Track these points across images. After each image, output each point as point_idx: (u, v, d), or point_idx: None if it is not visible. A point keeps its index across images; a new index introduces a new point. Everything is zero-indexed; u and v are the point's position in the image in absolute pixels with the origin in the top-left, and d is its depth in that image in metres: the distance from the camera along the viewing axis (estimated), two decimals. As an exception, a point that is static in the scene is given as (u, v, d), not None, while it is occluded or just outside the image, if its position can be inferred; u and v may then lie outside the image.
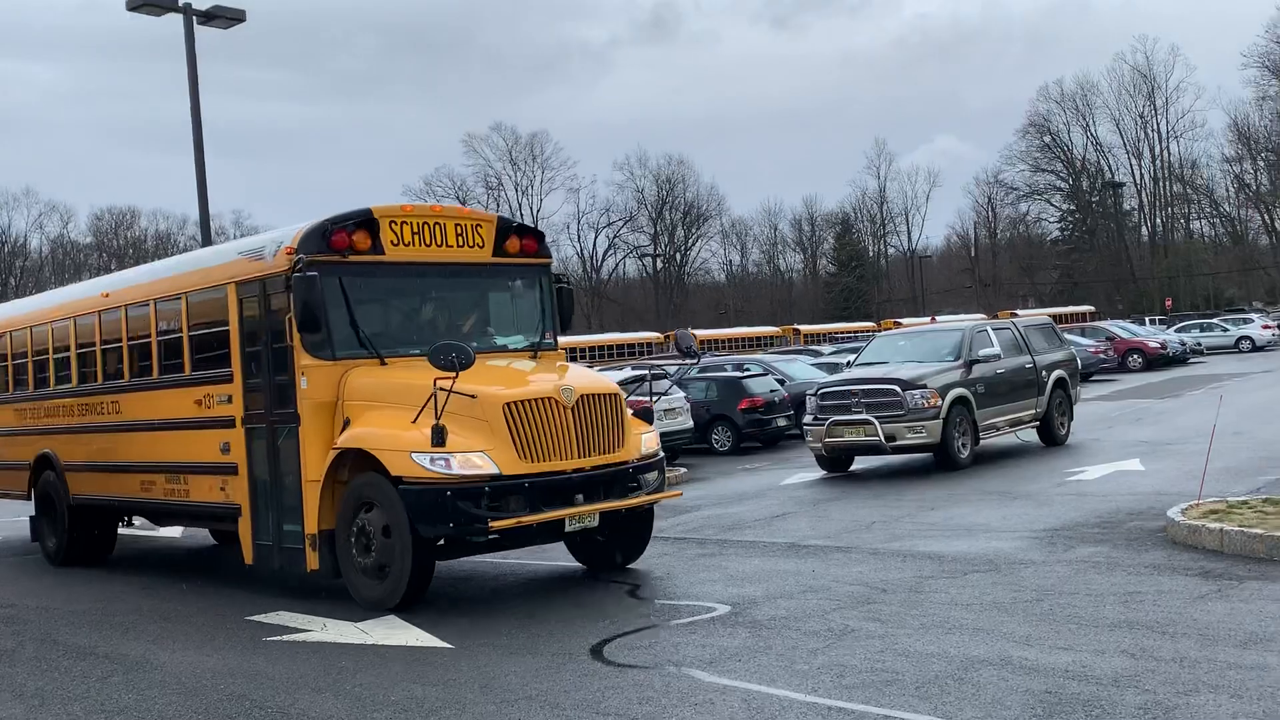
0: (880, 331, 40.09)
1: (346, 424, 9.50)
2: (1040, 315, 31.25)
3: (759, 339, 72.92)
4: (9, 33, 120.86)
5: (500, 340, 10.94)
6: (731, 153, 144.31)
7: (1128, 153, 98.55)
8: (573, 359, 10.89)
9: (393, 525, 9.01)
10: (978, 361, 17.16)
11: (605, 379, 10.16)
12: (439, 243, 10.36)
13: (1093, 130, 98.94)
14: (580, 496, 9.30)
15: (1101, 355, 37.52)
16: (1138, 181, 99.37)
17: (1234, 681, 6.00)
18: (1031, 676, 6.33)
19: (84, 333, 13.29)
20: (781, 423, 23.07)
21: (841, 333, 74.54)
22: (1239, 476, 12.98)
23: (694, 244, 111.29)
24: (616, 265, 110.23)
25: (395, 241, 10.08)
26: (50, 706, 7.22)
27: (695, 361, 12.90)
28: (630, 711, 6.22)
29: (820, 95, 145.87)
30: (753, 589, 9.30)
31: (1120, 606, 7.81)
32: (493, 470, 8.85)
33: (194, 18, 19.69)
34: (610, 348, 67.09)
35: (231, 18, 20.14)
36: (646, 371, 13.65)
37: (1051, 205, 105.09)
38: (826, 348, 45.51)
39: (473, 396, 8.95)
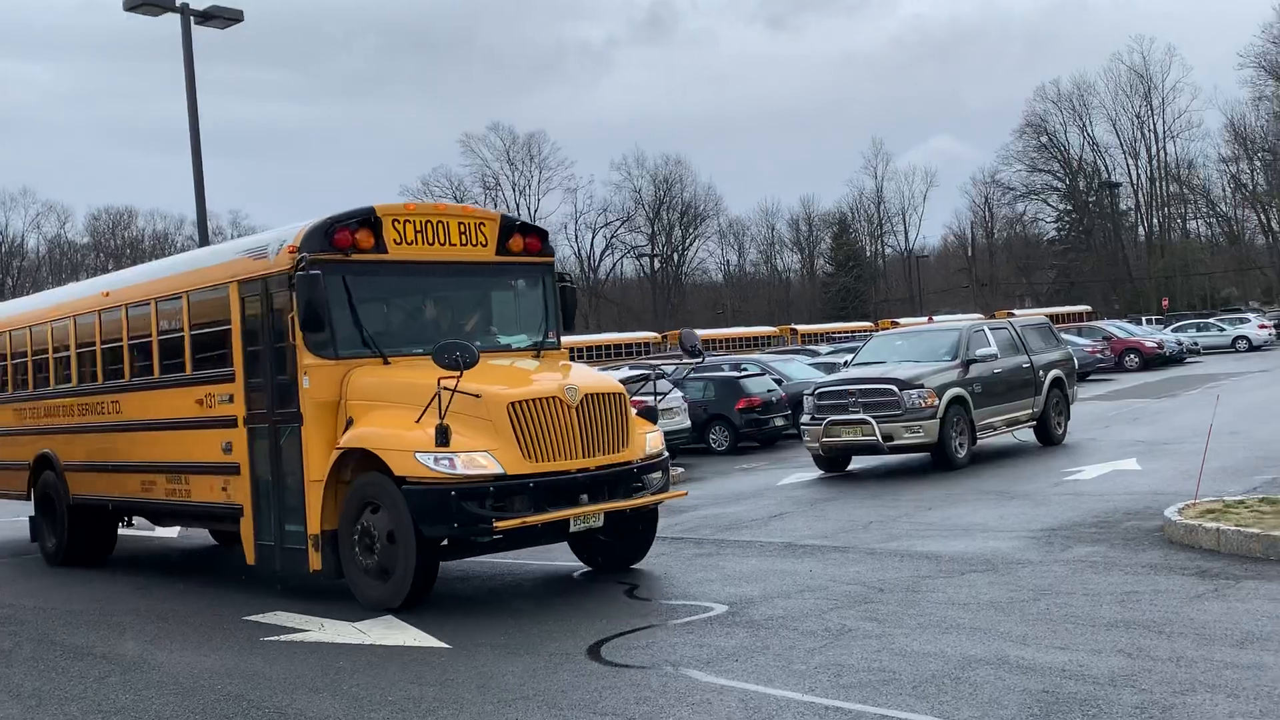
0: (877, 331, 40.09)
1: (349, 424, 9.45)
2: (1037, 315, 31.25)
3: (756, 339, 72.93)
4: (7, 33, 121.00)
5: (503, 339, 10.89)
6: (729, 153, 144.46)
7: (1124, 153, 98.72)
8: (570, 359, 10.80)
9: (396, 526, 8.96)
10: (975, 361, 17.18)
11: (609, 378, 10.10)
12: (442, 241, 10.32)
13: (1089, 130, 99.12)
14: (585, 497, 9.25)
15: (1098, 355, 37.57)
16: (1134, 181, 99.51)
17: (1230, 681, 6.01)
18: (1028, 676, 6.34)
19: (84, 332, 13.25)
20: (779, 422, 23.10)
21: (839, 332, 74.57)
22: (1235, 476, 12.99)
23: (691, 244, 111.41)
24: (614, 265, 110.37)
25: (398, 240, 10.04)
26: (47, 707, 7.21)
27: (700, 360, 12.87)
28: (627, 711, 6.22)
29: (817, 95, 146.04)
30: (750, 589, 9.31)
31: (1117, 606, 7.82)
32: (497, 470, 8.81)
33: (191, 18, 19.67)
34: (607, 348, 67.08)
35: (229, 18, 20.13)
36: (650, 370, 13.64)
37: (1048, 205, 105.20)
38: (824, 347, 45.60)
39: (477, 396, 8.91)
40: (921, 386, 16.21)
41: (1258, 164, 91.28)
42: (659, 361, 33.17)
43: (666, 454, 10.32)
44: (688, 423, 21.18)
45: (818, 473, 17.48)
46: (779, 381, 24.65)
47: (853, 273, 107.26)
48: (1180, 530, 9.85)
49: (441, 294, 10.70)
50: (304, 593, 10.50)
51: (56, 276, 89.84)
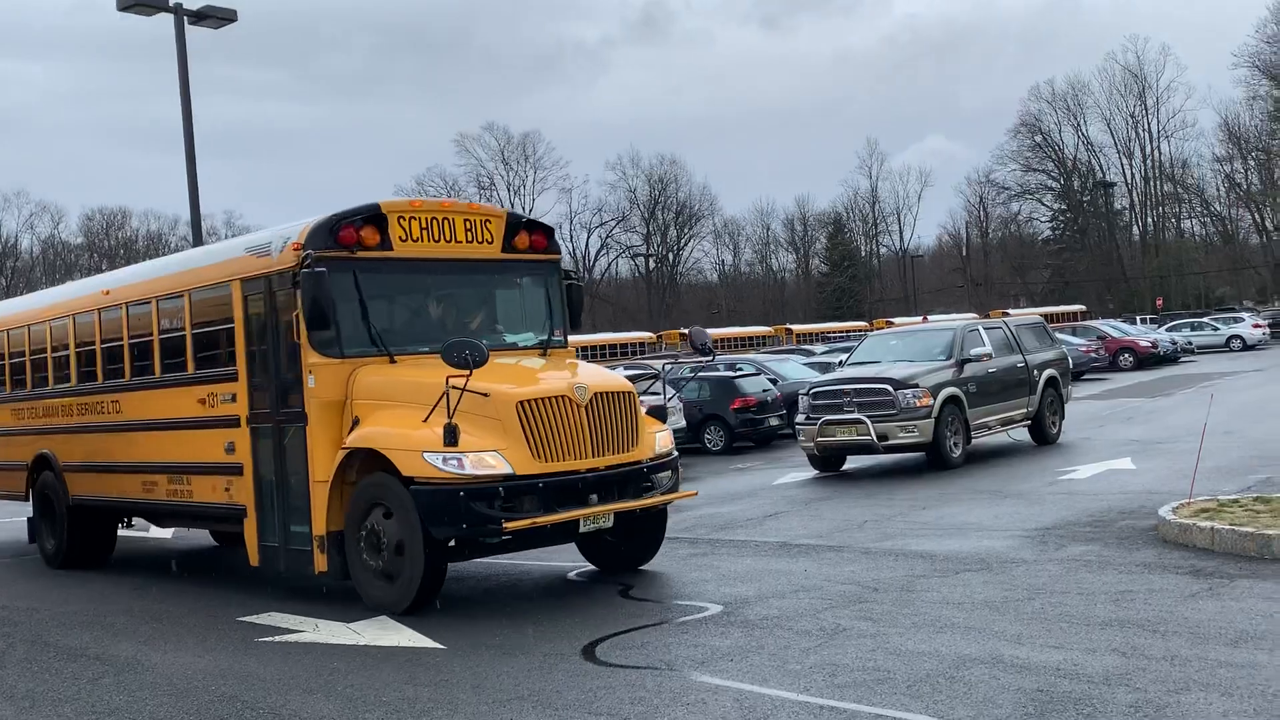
0: (872, 331, 40.12)
1: (355, 423, 9.34)
2: (1032, 314, 31.30)
3: (751, 339, 72.96)
4: (1, 33, 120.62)
5: (510, 338, 10.79)
6: (724, 152, 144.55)
7: (1119, 152, 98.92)
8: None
9: (404, 526, 8.85)
10: (969, 361, 17.20)
11: (619, 377, 9.97)
12: (448, 238, 10.22)
13: (1084, 130, 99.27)
14: (594, 497, 9.15)
15: (1093, 354, 37.63)
16: (1129, 181, 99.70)
17: (1225, 680, 6.02)
18: (1023, 675, 6.34)
19: (83, 331, 13.15)
20: (774, 422, 23.11)
21: (834, 332, 74.68)
22: (1230, 475, 13.01)
23: (686, 244, 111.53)
24: (609, 265, 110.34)
25: (404, 237, 9.94)
26: (41, 708, 7.19)
27: (711, 359, 12.81)
28: (622, 711, 6.22)
29: (812, 95, 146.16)
30: (745, 588, 9.31)
31: (1111, 605, 7.83)
32: (506, 470, 8.71)
33: (185, 18, 19.65)
34: (602, 348, 67.06)
35: (223, 18, 20.10)
36: (660, 369, 13.60)
37: (1043, 205, 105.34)
38: (819, 347, 45.62)
39: (485, 395, 8.81)
40: (916, 386, 16.22)
41: (1252, 164, 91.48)
42: (654, 360, 33.16)
43: (676, 453, 10.22)
44: (683, 423, 21.18)
45: (813, 472, 17.48)
46: (774, 381, 24.67)
47: (848, 272, 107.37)
48: (1175, 529, 9.87)
49: (447, 292, 10.60)
50: (299, 594, 10.48)
51: (50, 277, 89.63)
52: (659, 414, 10.29)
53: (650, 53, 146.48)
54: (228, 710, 6.81)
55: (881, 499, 14.14)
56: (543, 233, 10.97)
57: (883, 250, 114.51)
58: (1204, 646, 6.67)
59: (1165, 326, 53.71)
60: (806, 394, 17.39)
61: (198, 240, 20.26)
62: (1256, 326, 52.97)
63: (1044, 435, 18.65)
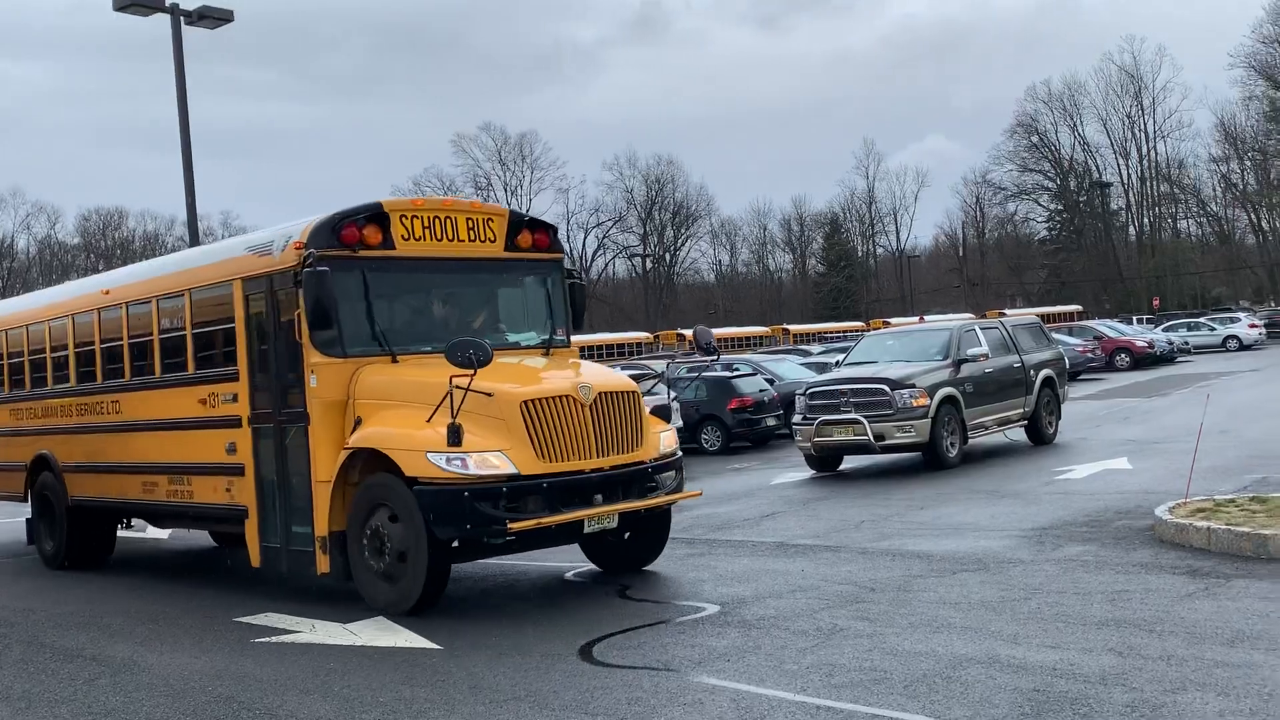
0: (869, 331, 40.15)
1: (358, 423, 9.29)
2: (1028, 315, 31.35)
3: (748, 339, 72.97)
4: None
5: (512, 337, 10.74)
6: (720, 153, 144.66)
7: (1115, 152, 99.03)
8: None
9: (407, 527, 8.79)
10: (966, 361, 17.21)
11: (623, 376, 9.93)
12: (450, 237, 10.16)
13: (1080, 130, 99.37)
14: (599, 497, 9.11)
15: (1089, 354, 37.66)
16: (1125, 181, 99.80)
17: (1221, 679, 6.02)
18: (1019, 675, 6.34)
19: (83, 331, 13.09)
20: (771, 422, 23.12)
21: (830, 332, 74.73)
22: (1226, 475, 13.02)
23: (683, 244, 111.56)
24: (606, 265, 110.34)
25: (406, 236, 9.88)
26: (37, 709, 7.18)
27: (716, 358, 12.77)
28: (619, 711, 6.22)
29: (809, 95, 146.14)
30: (741, 589, 9.31)
31: (1108, 605, 7.84)
32: (510, 470, 8.67)
33: (181, 18, 19.64)
34: (600, 348, 67.05)
35: (219, 18, 20.09)
36: (664, 367, 13.56)
37: (1039, 205, 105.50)
38: (815, 347, 45.59)
39: (489, 395, 8.75)
40: (913, 386, 16.24)
41: (1248, 164, 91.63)
42: (652, 361, 33.15)
43: (680, 453, 10.19)
44: (680, 423, 21.15)
45: (810, 472, 17.49)
46: (771, 381, 24.66)
47: (844, 273, 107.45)
48: (1171, 529, 9.87)
49: (450, 291, 10.56)
50: (295, 594, 10.47)
51: (47, 277, 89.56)
52: (663, 413, 10.26)
53: (647, 53, 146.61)
54: (224, 711, 6.80)
55: (878, 499, 14.14)
56: (545, 231, 10.92)
57: (879, 250, 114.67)
58: (1200, 646, 6.67)
59: (1161, 327, 53.80)
60: (803, 394, 17.39)
61: (194, 241, 20.24)
62: (1253, 326, 53.07)
63: (1040, 435, 18.66)
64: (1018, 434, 18.92)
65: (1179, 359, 44.13)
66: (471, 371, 8.48)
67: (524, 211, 11.15)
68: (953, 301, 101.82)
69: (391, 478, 8.91)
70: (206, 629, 9.33)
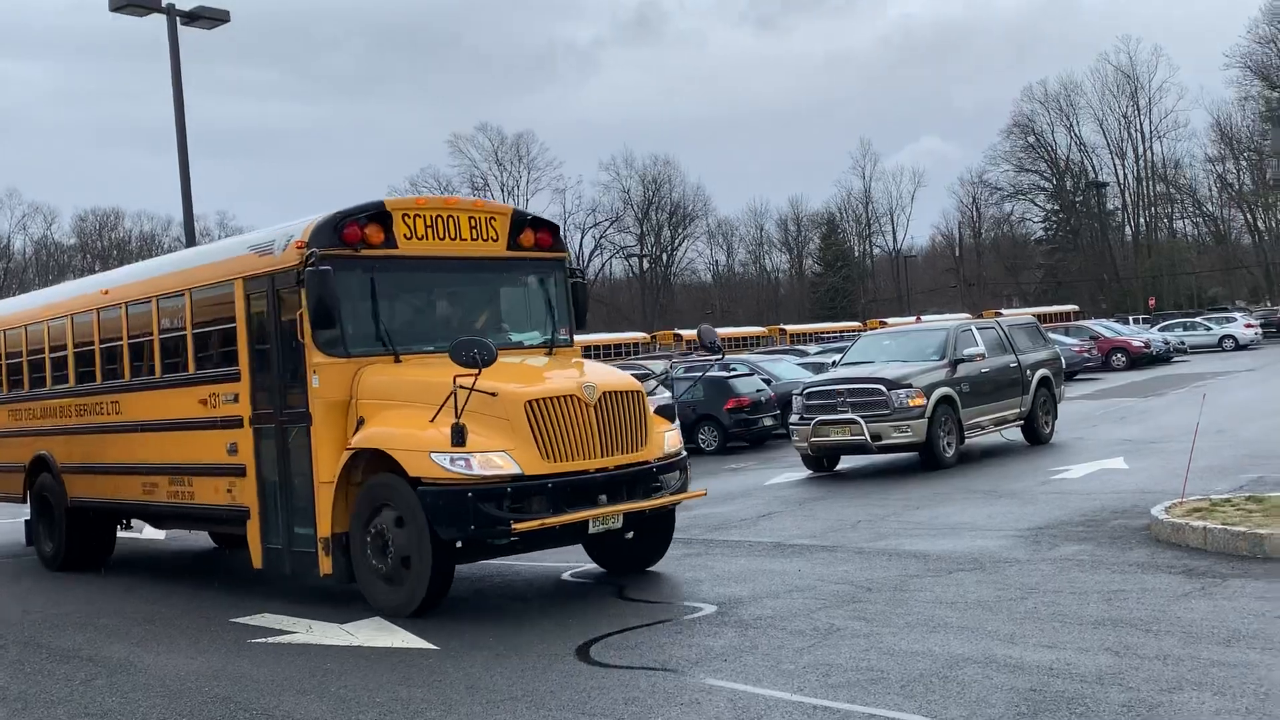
0: (866, 331, 40.17)
1: (361, 423, 9.24)
2: (1024, 315, 31.38)
3: (745, 339, 72.98)
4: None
5: (515, 336, 10.69)
6: (717, 153, 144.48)
7: (1111, 152, 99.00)
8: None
9: (411, 528, 8.75)
10: (962, 361, 17.22)
11: (627, 376, 9.88)
12: (453, 236, 10.12)
13: (1076, 130, 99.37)
14: (604, 497, 9.05)
15: (1085, 354, 37.68)
16: (1121, 181, 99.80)
17: (1217, 679, 6.03)
18: (1016, 674, 6.35)
19: (82, 331, 13.04)
20: (768, 422, 23.12)
21: (827, 332, 74.76)
22: (1222, 474, 13.03)
23: (680, 244, 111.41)
24: (603, 266, 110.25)
25: (408, 235, 9.84)
26: (33, 710, 7.18)
27: (720, 357, 12.75)
28: (616, 712, 6.22)
29: (806, 96, 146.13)
30: (738, 589, 9.31)
31: (1104, 604, 7.85)
32: (515, 470, 8.62)
33: (177, 18, 19.62)
34: (597, 348, 67.03)
35: (215, 18, 20.08)
36: (667, 367, 13.55)
37: (1035, 205, 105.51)
38: (812, 347, 45.64)
39: (493, 394, 8.71)
40: (909, 386, 16.25)
41: (1244, 164, 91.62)
42: (650, 361, 33.14)
43: (684, 453, 10.16)
44: (677, 423, 21.14)
45: (806, 472, 17.50)
46: (768, 381, 24.66)
47: (841, 273, 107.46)
48: (1167, 529, 9.89)
49: (452, 290, 10.52)
50: (292, 595, 10.47)
51: (43, 278, 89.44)
52: (667, 413, 10.23)
53: (644, 53, 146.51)
54: (221, 711, 6.80)
55: (875, 499, 14.15)
56: (548, 230, 10.88)
57: (876, 250, 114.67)
58: (1196, 646, 6.68)
59: (1158, 326, 53.81)
60: (800, 394, 17.40)
61: (190, 241, 20.21)
62: (1249, 326, 53.13)
63: (1037, 435, 18.68)
64: (1014, 434, 18.93)
65: (1175, 359, 44.18)
66: (476, 371, 8.43)
67: (526, 210, 11.09)
68: (949, 301, 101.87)
69: (395, 478, 8.85)
70: (203, 629, 9.32)
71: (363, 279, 9.61)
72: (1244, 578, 8.33)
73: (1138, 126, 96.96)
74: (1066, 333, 41.59)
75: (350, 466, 9.25)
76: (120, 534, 14.10)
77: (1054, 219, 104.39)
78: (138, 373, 12.06)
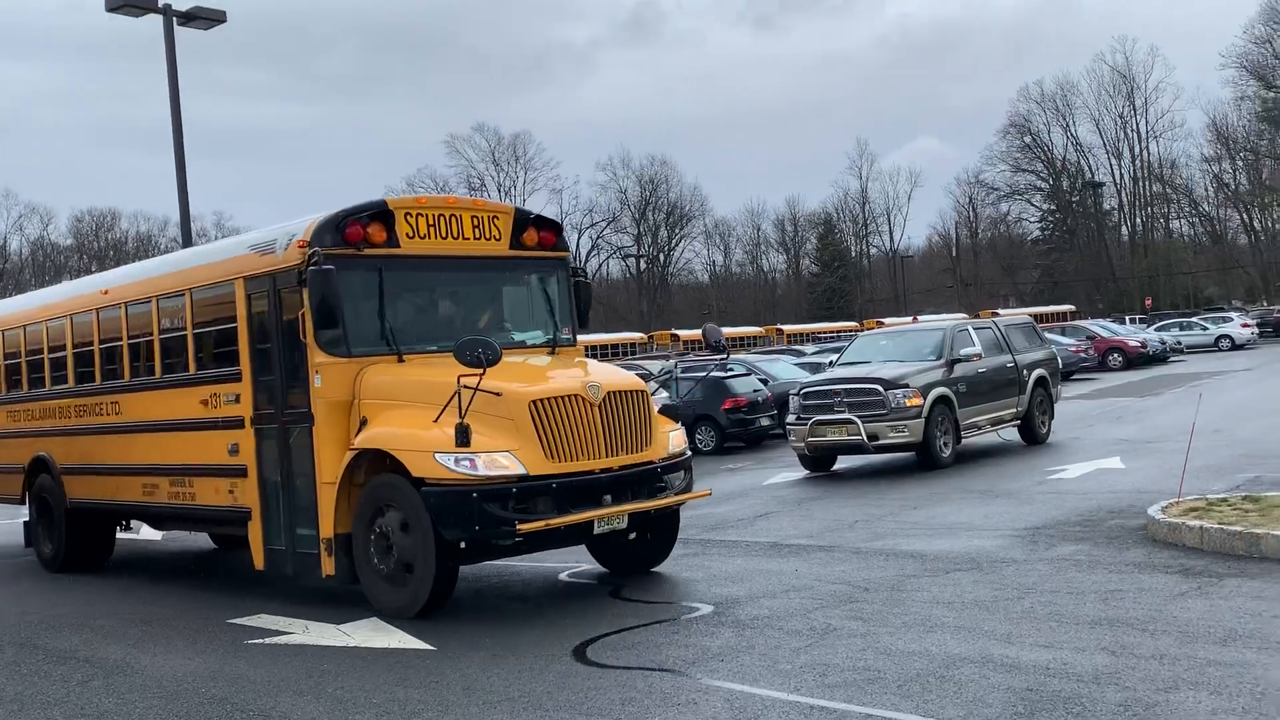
0: (863, 331, 40.19)
1: (363, 424, 9.21)
2: (1021, 315, 31.40)
3: (742, 339, 73.00)
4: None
5: (518, 336, 10.65)
6: (714, 153, 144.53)
7: (1107, 153, 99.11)
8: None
9: (414, 529, 8.71)
10: (959, 361, 17.23)
11: (632, 376, 9.84)
12: (455, 235, 10.08)
13: (1073, 130, 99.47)
14: (608, 497, 9.02)
15: (1082, 354, 37.73)
16: (1117, 181, 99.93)
17: (1214, 678, 6.04)
18: (1013, 674, 6.35)
19: (81, 331, 13.00)
20: (765, 422, 23.13)
21: (824, 332, 74.80)
22: (1219, 474, 13.05)
23: (677, 244, 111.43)
24: (600, 266, 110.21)
25: (410, 234, 9.80)
26: (29, 711, 7.17)
27: (725, 356, 12.70)
28: (613, 712, 6.22)
29: (803, 96, 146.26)
30: (735, 589, 9.31)
31: (1101, 604, 7.85)
32: (519, 471, 8.58)
33: (174, 19, 19.61)
34: (594, 349, 67.03)
35: (211, 19, 20.07)
36: (671, 366, 13.51)
37: (1032, 205, 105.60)
38: (809, 347, 45.62)
39: (498, 394, 8.67)
40: (906, 386, 16.26)
41: (1240, 164, 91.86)
42: (647, 361, 33.13)
43: (689, 453, 10.13)
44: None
45: (803, 472, 17.50)
46: (765, 382, 24.67)
47: (838, 273, 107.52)
48: (1164, 528, 9.90)
49: (455, 289, 10.48)
50: (288, 595, 10.46)
51: (39, 279, 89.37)
52: (673, 413, 10.22)
53: (641, 53, 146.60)
54: (217, 712, 6.79)
55: (872, 499, 14.16)
56: (551, 229, 10.84)
57: (873, 251, 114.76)
58: (1193, 645, 6.69)
59: (1154, 326, 53.85)
60: (797, 394, 17.41)
61: (187, 242, 20.19)
62: (1245, 326, 53.20)
63: (1033, 435, 18.69)
64: (1011, 434, 18.95)
65: (1171, 359, 44.23)
66: (480, 371, 8.40)
67: (529, 209, 11.07)
68: (946, 301, 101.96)
69: (398, 479, 8.81)
70: (200, 630, 9.31)
71: (365, 278, 9.57)
72: (1240, 577, 8.34)
73: (1134, 127, 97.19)
74: (1063, 333, 41.63)
75: (353, 467, 9.21)
76: (118, 535, 14.07)
77: (1050, 219, 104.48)
78: (138, 373, 12.02)
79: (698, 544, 11.74)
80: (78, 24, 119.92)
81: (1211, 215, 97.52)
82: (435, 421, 8.66)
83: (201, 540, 14.76)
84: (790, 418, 17.34)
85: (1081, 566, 9.14)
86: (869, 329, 49.19)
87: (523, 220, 10.61)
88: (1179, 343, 48.39)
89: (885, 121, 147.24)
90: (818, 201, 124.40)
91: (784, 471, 18.01)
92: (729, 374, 24.14)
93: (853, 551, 10.65)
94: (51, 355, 13.67)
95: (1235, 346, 50.25)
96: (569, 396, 8.92)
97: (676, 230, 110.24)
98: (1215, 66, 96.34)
